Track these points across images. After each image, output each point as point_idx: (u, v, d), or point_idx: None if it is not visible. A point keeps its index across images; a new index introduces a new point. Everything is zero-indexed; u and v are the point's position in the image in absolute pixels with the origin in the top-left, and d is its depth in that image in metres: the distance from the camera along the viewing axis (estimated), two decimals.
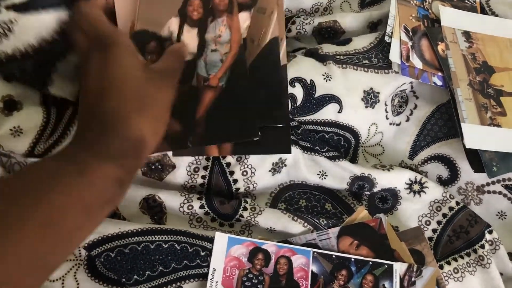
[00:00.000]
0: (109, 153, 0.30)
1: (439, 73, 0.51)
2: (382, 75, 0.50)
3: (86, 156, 0.29)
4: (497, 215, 0.51)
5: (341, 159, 0.47)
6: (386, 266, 0.43)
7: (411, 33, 0.52)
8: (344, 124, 0.50)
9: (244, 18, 0.46)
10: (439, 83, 0.51)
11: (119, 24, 0.42)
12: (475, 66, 0.53)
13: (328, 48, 0.51)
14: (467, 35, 0.55)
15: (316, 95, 0.49)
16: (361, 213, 0.46)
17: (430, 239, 0.48)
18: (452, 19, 0.55)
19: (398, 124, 0.54)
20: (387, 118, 0.52)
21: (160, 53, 0.42)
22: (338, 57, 0.50)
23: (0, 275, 0.23)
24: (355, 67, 0.50)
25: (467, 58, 0.53)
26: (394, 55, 0.49)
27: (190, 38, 0.44)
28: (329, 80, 0.49)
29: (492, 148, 0.48)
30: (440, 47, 0.52)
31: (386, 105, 0.52)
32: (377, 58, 0.51)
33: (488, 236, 0.47)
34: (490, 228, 0.47)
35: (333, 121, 0.49)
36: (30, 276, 0.25)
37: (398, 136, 0.54)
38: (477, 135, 0.48)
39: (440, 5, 0.56)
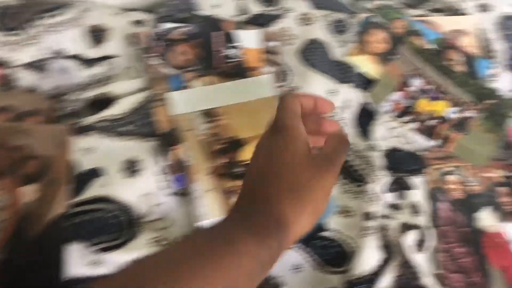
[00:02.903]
0: (252, 230, 0.29)
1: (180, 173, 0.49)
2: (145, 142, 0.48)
3: (235, 233, 0.29)
4: (290, 269, 0.49)
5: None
6: None
7: None
8: (113, 199, 0.46)
9: (30, 190, 0.43)
10: (179, 185, 0.49)
11: None
12: (219, 147, 0.50)
13: (89, 118, 0.49)
14: (208, 114, 0.51)
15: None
16: None
17: None
18: (187, 102, 0.51)
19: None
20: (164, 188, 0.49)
21: None
22: (98, 124, 0.49)
23: None
24: (115, 136, 0.48)
25: (208, 142, 0.50)
26: None
27: None
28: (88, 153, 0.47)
29: None
30: None
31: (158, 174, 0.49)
32: (141, 122, 0.49)
33: None
34: None
35: (101, 197, 0.46)
36: None
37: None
38: None
39: (170, 94, 0.50)
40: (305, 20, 0.62)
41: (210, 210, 0.47)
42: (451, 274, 0.48)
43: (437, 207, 0.53)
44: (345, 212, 0.51)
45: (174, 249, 0.30)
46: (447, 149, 0.58)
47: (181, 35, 0.56)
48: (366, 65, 0.61)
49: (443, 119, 0.60)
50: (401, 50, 0.62)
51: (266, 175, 0.32)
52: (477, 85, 0.62)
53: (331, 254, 0.49)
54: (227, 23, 0.59)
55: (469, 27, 0.66)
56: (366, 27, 0.63)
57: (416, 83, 0.61)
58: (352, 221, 0.50)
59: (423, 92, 0.61)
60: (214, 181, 0.48)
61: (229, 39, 0.57)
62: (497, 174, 0.57)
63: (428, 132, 0.59)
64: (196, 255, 0.28)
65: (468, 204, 0.54)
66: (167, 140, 0.50)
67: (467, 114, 0.60)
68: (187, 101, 0.51)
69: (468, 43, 0.65)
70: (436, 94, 0.61)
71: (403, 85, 0.61)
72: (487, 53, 0.65)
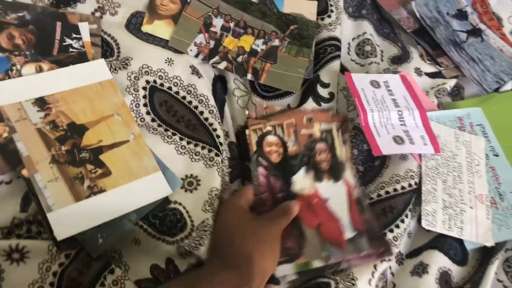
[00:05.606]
0: (227, 265, 0.44)
1: None
2: None
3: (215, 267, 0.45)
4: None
5: None
6: None
7: None
8: None
9: None
10: None
11: None
12: (59, 134, 0.49)
13: None
14: (41, 102, 0.50)
15: None
16: None
17: None
18: (16, 91, 0.49)
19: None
20: None
21: None
22: None
23: None
24: None
25: (45, 130, 0.49)
26: None
27: None
28: None
29: (94, 224, 0.45)
30: None
31: None
32: None
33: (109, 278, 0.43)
34: (111, 267, 0.44)
35: None
36: None
37: None
38: (70, 219, 0.45)
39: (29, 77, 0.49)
40: None
41: (57, 200, 0.45)
42: None
43: (258, 173, 0.53)
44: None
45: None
46: (261, 81, 0.60)
47: (12, 20, 0.53)
48: (161, 31, 0.60)
49: (251, 53, 0.62)
50: None
51: (229, 238, 0.47)
52: (276, 14, 0.64)
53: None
54: (72, 15, 0.58)
55: None
56: None
57: (218, 22, 0.63)
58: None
59: (226, 30, 0.62)
60: (57, 170, 0.47)
61: (74, 30, 0.56)
62: (315, 129, 0.57)
63: (242, 68, 0.61)
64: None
65: (285, 167, 0.54)
66: None
67: (272, 44, 0.63)
68: (13, 90, 0.49)
69: None
70: (240, 30, 0.62)
71: (205, 27, 0.62)
72: None
